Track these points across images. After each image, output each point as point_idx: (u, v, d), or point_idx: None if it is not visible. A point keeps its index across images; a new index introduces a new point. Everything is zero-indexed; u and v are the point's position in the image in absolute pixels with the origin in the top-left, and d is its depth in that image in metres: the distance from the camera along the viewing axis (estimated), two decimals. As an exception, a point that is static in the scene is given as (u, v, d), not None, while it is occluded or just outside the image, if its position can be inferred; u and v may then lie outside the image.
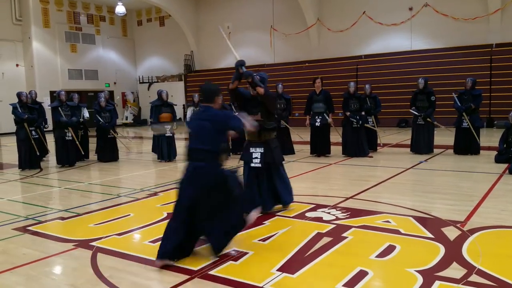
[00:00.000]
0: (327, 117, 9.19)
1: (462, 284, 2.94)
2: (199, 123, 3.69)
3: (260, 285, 3.04)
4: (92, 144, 10.59)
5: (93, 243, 4.08)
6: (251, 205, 4.13)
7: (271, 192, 4.86)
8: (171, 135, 9.64)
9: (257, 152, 4.73)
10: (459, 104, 8.96)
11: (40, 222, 4.96)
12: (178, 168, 8.93)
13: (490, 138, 11.33)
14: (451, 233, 4.00)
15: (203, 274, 3.27)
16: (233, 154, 9.59)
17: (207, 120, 3.63)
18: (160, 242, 3.58)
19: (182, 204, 3.60)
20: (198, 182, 3.55)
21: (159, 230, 4.39)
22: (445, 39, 16.75)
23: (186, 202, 3.57)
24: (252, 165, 4.76)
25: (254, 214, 3.91)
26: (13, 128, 9.65)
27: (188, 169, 3.64)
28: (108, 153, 9.96)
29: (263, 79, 4.82)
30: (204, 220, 3.57)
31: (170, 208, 5.28)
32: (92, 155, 10.49)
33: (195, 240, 3.71)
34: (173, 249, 3.49)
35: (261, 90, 4.63)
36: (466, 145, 8.96)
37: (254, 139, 4.82)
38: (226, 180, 3.64)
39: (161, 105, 9.65)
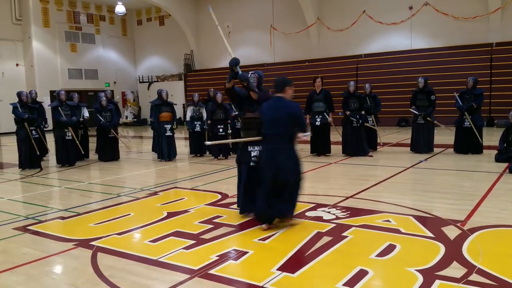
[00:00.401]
0: (327, 116, 9.19)
1: (463, 283, 2.93)
2: (274, 112, 4.23)
3: (261, 284, 3.04)
4: (92, 143, 10.60)
5: (93, 243, 4.08)
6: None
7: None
8: (171, 134, 9.65)
9: (255, 151, 4.70)
10: (461, 104, 8.95)
11: (40, 222, 4.96)
12: (178, 167, 8.93)
13: (490, 137, 11.32)
14: (451, 232, 4.00)
15: (203, 274, 3.27)
16: (233, 154, 9.58)
17: (281, 109, 4.20)
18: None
19: (266, 180, 4.24)
20: (277, 161, 4.16)
21: (159, 230, 4.41)
22: (445, 38, 16.75)
23: (269, 178, 4.19)
24: (251, 164, 4.70)
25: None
26: (13, 127, 9.65)
27: (266, 151, 4.29)
28: (109, 152, 9.97)
29: (260, 78, 4.80)
30: (282, 191, 4.25)
31: (170, 208, 5.32)
32: (92, 155, 10.51)
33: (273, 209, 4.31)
34: (261, 210, 4.27)
35: (255, 95, 4.63)
36: (467, 145, 8.95)
37: (253, 137, 4.76)
38: (298, 161, 4.32)
39: (161, 105, 9.65)
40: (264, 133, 4.32)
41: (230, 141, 4.67)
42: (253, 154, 4.69)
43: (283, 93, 4.32)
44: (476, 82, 8.99)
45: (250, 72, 4.76)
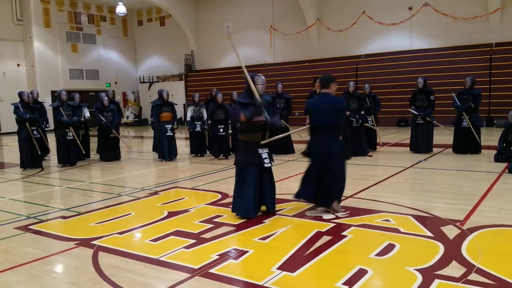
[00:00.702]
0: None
1: (462, 283, 2.95)
2: (321, 106, 4.71)
3: (260, 283, 3.06)
4: (94, 143, 10.63)
5: (94, 242, 4.10)
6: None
7: (270, 193, 4.86)
8: (171, 134, 9.67)
9: (264, 153, 4.74)
10: (459, 104, 8.97)
11: (42, 221, 4.98)
12: (178, 167, 8.95)
13: (489, 137, 11.35)
14: (451, 232, 4.02)
15: (204, 273, 3.29)
16: (233, 154, 9.60)
17: (328, 103, 4.67)
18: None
19: (313, 167, 4.69)
20: (324, 150, 4.61)
21: (160, 229, 4.44)
22: (445, 38, 16.76)
23: (316, 166, 4.65)
24: (266, 165, 4.72)
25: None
26: (14, 127, 9.68)
27: (314, 142, 4.73)
28: (110, 152, 10.00)
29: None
30: (329, 178, 4.64)
31: (171, 207, 5.35)
32: (93, 155, 10.54)
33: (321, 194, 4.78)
34: (309, 194, 4.74)
35: (278, 125, 4.84)
36: (466, 145, 8.97)
37: (258, 139, 4.78)
38: (343, 151, 4.75)
39: (162, 105, 9.68)
40: (313, 126, 4.75)
41: (283, 135, 4.91)
42: (263, 156, 4.71)
43: (328, 89, 4.81)
44: (474, 82, 9.01)
45: (257, 77, 4.74)
